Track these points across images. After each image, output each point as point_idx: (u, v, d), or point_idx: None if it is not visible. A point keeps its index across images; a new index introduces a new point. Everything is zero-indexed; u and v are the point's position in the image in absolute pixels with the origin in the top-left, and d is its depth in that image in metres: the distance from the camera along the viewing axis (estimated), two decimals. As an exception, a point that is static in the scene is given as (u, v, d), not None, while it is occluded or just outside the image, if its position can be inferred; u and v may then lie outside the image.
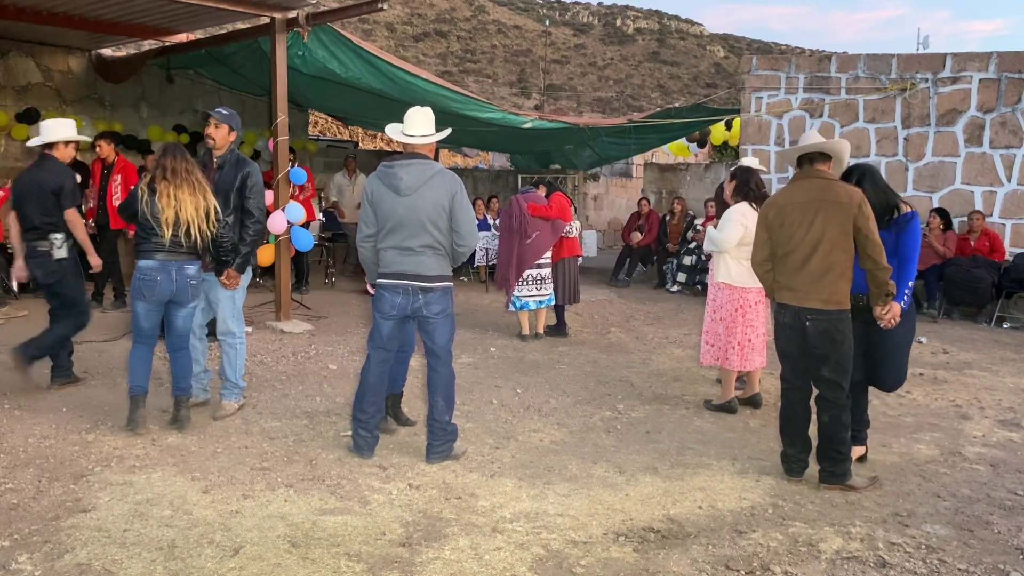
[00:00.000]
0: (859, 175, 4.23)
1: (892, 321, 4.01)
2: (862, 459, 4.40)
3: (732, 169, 5.58)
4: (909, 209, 4.20)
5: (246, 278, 5.13)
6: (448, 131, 4.57)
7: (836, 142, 4.19)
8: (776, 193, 4.25)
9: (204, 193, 4.59)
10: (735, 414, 5.33)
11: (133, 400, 4.63)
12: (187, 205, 4.50)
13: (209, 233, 4.62)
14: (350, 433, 4.46)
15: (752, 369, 5.44)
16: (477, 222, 4.67)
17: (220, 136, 4.96)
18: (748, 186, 5.33)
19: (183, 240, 4.54)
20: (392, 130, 4.38)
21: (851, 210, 3.88)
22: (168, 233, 4.51)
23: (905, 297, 4.06)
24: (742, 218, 5.17)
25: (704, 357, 5.53)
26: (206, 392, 5.25)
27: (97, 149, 8.34)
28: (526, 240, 7.40)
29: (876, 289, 3.97)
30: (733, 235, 5.19)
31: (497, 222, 11.91)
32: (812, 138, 4.21)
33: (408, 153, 4.30)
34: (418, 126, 4.27)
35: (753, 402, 5.50)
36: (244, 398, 5.20)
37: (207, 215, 4.59)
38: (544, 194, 7.66)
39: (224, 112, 5.03)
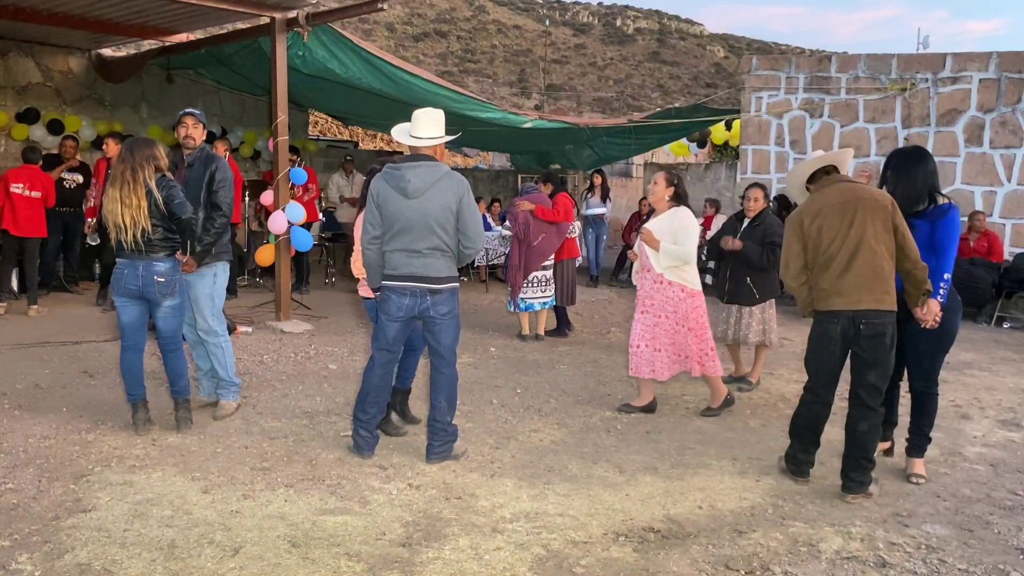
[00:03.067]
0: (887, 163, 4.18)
1: (935, 321, 3.94)
2: (888, 452, 4.53)
3: (663, 172, 5.39)
4: (947, 201, 4.09)
5: (223, 277, 5.09)
6: (458, 135, 4.50)
7: (841, 152, 4.22)
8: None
9: (139, 190, 4.45)
10: (733, 404, 5.38)
11: (133, 406, 4.67)
12: (119, 210, 4.45)
13: (144, 228, 4.45)
14: (350, 433, 4.47)
15: (719, 374, 5.35)
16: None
17: (198, 135, 5.03)
18: (684, 188, 5.30)
19: (123, 241, 4.49)
20: (399, 132, 4.35)
21: (888, 209, 3.83)
22: (113, 236, 4.51)
23: (941, 291, 3.96)
24: (695, 223, 5.16)
25: (662, 370, 5.22)
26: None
27: (105, 148, 8.35)
28: (533, 243, 7.40)
29: (914, 289, 3.90)
30: (695, 242, 5.18)
31: (497, 224, 11.94)
32: (816, 156, 4.22)
33: (414, 155, 4.26)
34: (425, 128, 4.21)
35: (728, 400, 5.44)
36: (243, 397, 5.20)
37: (141, 212, 4.45)
38: (549, 193, 7.63)
39: (196, 112, 5.12)
